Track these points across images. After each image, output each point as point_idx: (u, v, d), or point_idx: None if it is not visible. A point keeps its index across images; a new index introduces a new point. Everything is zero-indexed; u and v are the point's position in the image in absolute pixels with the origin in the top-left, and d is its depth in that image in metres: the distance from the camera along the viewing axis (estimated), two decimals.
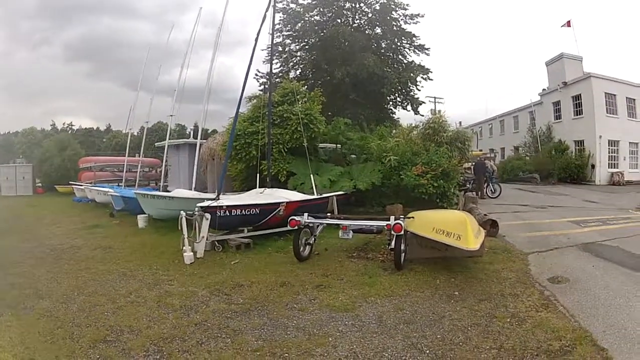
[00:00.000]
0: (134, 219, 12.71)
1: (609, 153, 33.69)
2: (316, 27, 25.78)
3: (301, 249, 7.93)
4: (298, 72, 27.37)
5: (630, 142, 34.72)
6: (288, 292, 6.14)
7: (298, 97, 14.44)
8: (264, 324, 4.91)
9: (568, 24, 38.77)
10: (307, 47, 26.95)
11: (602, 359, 4.23)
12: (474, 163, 21.89)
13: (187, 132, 40.72)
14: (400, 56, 27.10)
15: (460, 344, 4.51)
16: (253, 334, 4.66)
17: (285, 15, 25.90)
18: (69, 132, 65.11)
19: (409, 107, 27.52)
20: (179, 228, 8.00)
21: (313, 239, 8.25)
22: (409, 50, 26.88)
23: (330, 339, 4.56)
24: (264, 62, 25.27)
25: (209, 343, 4.41)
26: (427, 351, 4.33)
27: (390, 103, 27.98)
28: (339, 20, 25.75)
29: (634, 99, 35.08)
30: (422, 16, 25.89)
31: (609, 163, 33.50)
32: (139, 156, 25.82)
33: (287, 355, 4.18)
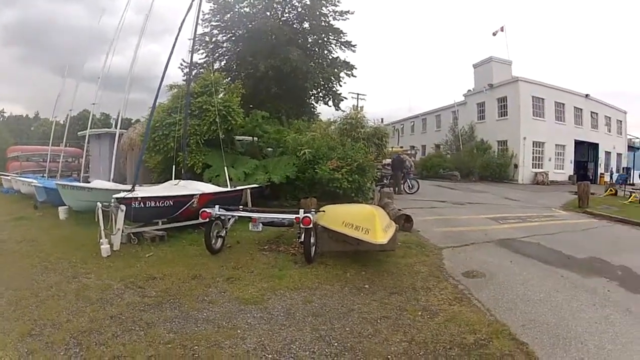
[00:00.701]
0: (57, 210, 12.77)
1: (533, 154, 37.49)
2: (244, 19, 26.47)
3: (213, 241, 8.28)
4: (223, 63, 28.23)
5: (556, 144, 38.78)
6: (199, 284, 6.43)
7: (218, 88, 15.20)
8: (175, 317, 5.18)
9: (501, 29, 43.04)
10: (233, 38, 27.69)
11: (522, 354, 4.45)
12: (392, 159, 23.02)
13: (111, 122, 40.31)
14: (326, 51, 28.50)
15: (370, 336, 4.74)
16: (165, 326, 4.91)
17: (215, 5, 26.47)
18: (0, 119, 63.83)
19: (330, 103, 29.02)
20: (96, 220, 8.22)
21: (224, 231, 8.64)
22: (335, 46, 28.33)
23: (238, 331, 4.82)
24: (189, 51, 25.59)
25: (124, 336, 4.65)
26: (336, 343, 4.57)
27: (312, 98, 29.35)
28: (268, 13, 26.59)
29: (563, 104, 39.37)
30: (352, 13, 27.16)
31: (533, 163, 37.28)
32: (63, 146, 26.33)
33: (197, 347, 4.42)
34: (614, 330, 5.17)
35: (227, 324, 5.00)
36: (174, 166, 12.84)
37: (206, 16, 25.71)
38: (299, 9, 26.94)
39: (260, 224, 8.15)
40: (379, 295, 6.09)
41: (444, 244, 9.76)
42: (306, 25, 27.62)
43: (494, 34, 42.83)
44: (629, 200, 21.67)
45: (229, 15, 26.54)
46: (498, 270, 7.68)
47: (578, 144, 40.62)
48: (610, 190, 26.02)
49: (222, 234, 8.58)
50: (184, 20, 11.70)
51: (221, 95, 15.33)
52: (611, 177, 36.82)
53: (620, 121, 47.76)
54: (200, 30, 23.76)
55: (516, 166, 36.29)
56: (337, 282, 6.64)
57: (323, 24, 27.03)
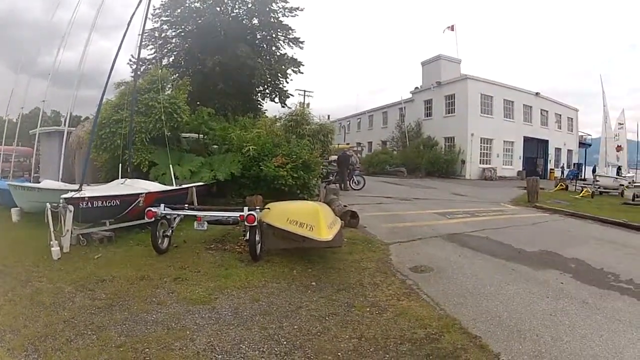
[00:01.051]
0: (10, 212, 12.45)
1: (481, 150, 39.67)
2: (194, 15, 26.88)
3: (159, 241, 8.40)
4: (171, 59, 28.52)
5: (505, 141, 41.42)
6: (148, 285, 6.49)
7: (165, 85, 15.38)
8: (125, 319, 5.22)
9: (451, 28, 45.48)
10: (183, 34, 28.12)
11: (476, 347, 4.52)
12: (338, 156, 23.66)
13: (62, 119, 39.31)
14: (274, 48, 29.24)
15: (319, 334, 4.83)
16: (116, 329, 4.94)
17: (166, 0, 26.64)
18: None
19: (277, 99, 29.68)
20: (46, 221, 8.24)
21: (170, 231, 8.73)
22: (284, 42, 29.07)
23: (188, 332, 4.88)
24: (138, 47, 25.69)
25: (77, 340, 4.67)
26: (285, 342, 4.63)
27: (259, 94, 30.06)
28: (218, 9, 27.06)
29: (513, 101, 42.07)
30: (302, 10, 27.91)
31: (480, 159, 39.47)
32: (15, 145, 25.78)
33: (147, 350, 4.47)
34: (571, 322, 5.29)
35: (176, 325, 5.06)
36: (120, 165, 12.91)
37: (156, 11, 25.88)
38: (249, 5, 27.57)
39: (205, 223, 8.27)
40: (327, 292, 6.17)
41: (391, 239, 9.89)
42: (255, 21, 28.35)
43: (447, 31, 45.62)
44: (581, 194, 23.02)
45: (179, 10, 26.83)
46: (446, 265, 7.86)
47: (527, 140, 43.19)
48: (561, 185, 27.62)
49: (169, 234, 8.64)
50: (133, 15, 11.78)
51: (168, 92, 15.60)
52: (562, 173, 39.49)
53: (572, 119, 51.29)
54: (150, 26, 24.12)
55: (463, 162, 38.05)
56: (284, 280, 6.73)
57: (272, 20, 27.75)
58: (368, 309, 5.52)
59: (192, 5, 27.00)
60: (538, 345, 4.62)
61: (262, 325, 5.01)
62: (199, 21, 26.22)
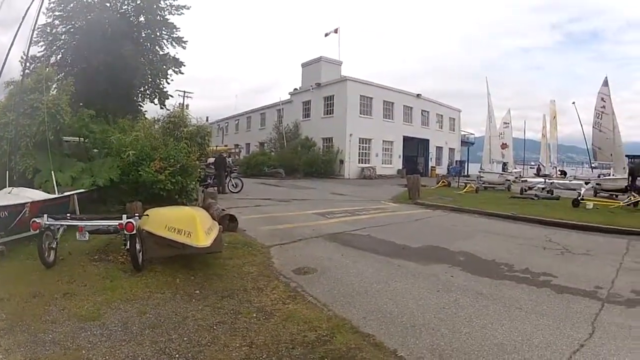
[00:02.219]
0: None
1: (360, 150, 41.75)
2: (85, 10, 26.22)
3: (46, 254, 8.00)
4: (59, 57, 27.56)
5: (384, 140, 43.95)
6: (40, 303, 6.24)
7: (50, 85, 14.85)
8: (27, 341, 5.00)
9: (335, 31, 47.55)
10: (72, 30, 27.16)
11: (370, 345, 4.56)
12: (215, 158, 24.10)
13: None
14: (157, 47, 29.43)
15: (209, 344, 4.82)
16: (21, 352, 4.74)
17: None
18: None
19: (157, 101, 29.88)
20: None
21: (55, 242, 8.34)
22: (167, 41, 29.45)
23: (83, 351, 4.73)
24: (27, 43, 24.41)
25: None
26: (177, 355, 4.60)
27: (140, 95, 29.93)
28: (108, 4, 26.82)
29: (393, 103, 44.94)
30: (188, 8, 28.41)
31: (359, 159, 41.54)
32: None
33: None
34: (467, 314, 5.49)
35: (71, 344, 4.88)
36: (7, 172, 12.32)
37: (51, 5, 24.98)
38: (138, 1, 27.61)
39: (87, 233, 8.03)
40: (211, 300, 6.17)
41: (272, 242, 9.93)
42: (142, 18, 28.42)
43: (331, 34, 47.52)
44: (465, 190, 24.80)
45: (72, 5, 26.13)
46: (330, 265, 7.98)
47: (407, 139, 46.24)
48: (443, 182, 29.56)
49: (54, 246, 8.22)
50: (28, 9, 11.55)
51: (54, 92, 14.98)
52: (449, 170, 43.09)
53: (454, 119, 56.25)
54: (43, 20, 23.65)
55: (342, 162, 39.77)
56: (167, 290, 6.66)
57: (159, 18, 28.06)
58: (255, 315, 5.55)
59: (85, 1, 26.56)
60: (436, 338, 4.71)
61: (152, 339, 4.93)
62: (89, 17, 25.75)
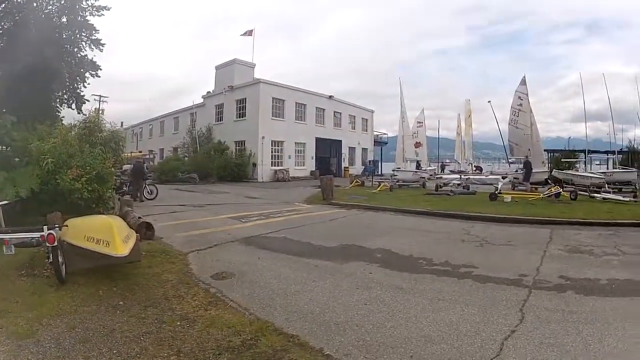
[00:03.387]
0: None
1: (272, 152, 41.68)
2: (15, 10, 25.36)
3: None
4: None
5: (296, 142, 44.16)
6: None
7: None
8: None
9: (249, 32, 47.30)
10: (1, 31, 26.09)
11: (296, 346, 4.59)
12: (132, 165, 23.62)
13: None
14: (76, 49, 28.35)
15: (138, 355, 4.76)
16: None
17: None
18: None
19: (74, 105, 28.84)
20: None
21: None
22: (86, 43, 28.38)
23: None
24: None
25: None
26: None
27: (57, 100, 28.79)
28: (35, 5, 25.83)
29: (305, 104, 45.20)
30: (109, 9, 27.49)
31: (272, 161, 41.44)
32: None
33: None
34: (389, 309, 5.63)
35: None
36: None
37: None
38: (62, 1, 26.70)
39: (13, 246, 7.75)
40: (135, 311, 6.08)
41: (189, 248, 9.86)
42: (65, 19, 27.36)
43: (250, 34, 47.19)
44: (379, 189, 25.32)
45: (3, 5, 25.28)
46: (247, 269, 8.00)
47: (320, 141, 46.67)
48: (357, 182, 30.15)
49: None
50: None
51: None
52: (366, 170, 43.08)
53: (367, 119, 57.43)
54: None
55: (255, 165, 39.72)
56: (92, 303, 6.50)
57: (80, 19, 27.13)
58: (179, 323, 5.51)
59: (16, 1, 25.75)
60: (360, 334, 4.80)
61: (85, 355, 4.79)
62: (17, 18, 24.98)
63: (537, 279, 7.19)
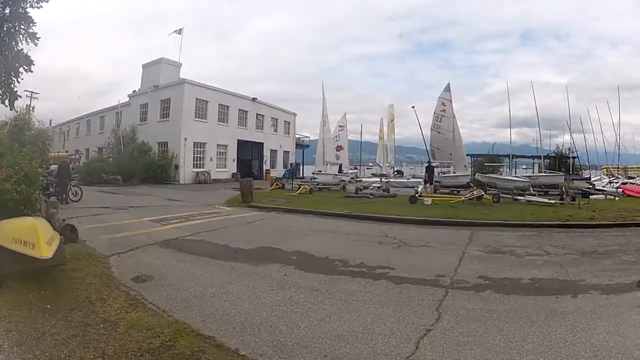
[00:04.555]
0: None
1: (194, 154, 41.22)
2: None
3: None
4: None
5: (218, 144, 43.81)
6: None
7: None
8: None
9: (178, 31, 46.51)
10: None
11: (212, 347, 4.72)
12: (58, 165, 22.66)
13: None
14: (13, 43, 26.64)
15: (67, 358, 4.74)
16: None
17: None
18: None
19: (7, 102, 26.97)
20: None
21: None
22: (23, 37, 26.78)
23: None
24: None
25: None
26: None
27: None
28: None
29: (228, 106, 44.91)
30: (48, 1, 25.96)
31: (194, 163, 41.01)
32: None
33: None
34: (304, 310, 5.85)
35: None
36: None
37: None
38: None
39: None
40: (62, 314, 5.98)
41: (110, 251, 9.80)
42: (7, 10, 26.00)
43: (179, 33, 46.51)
44: (299, 192, 25.66)
45: None
46: (166, 272, 8.06)
47: (242, 143, 46.59)
48: (277, 185, 30.28)
49: None
50: None
51: None
52: (287, 173, 43.94)
53: (289, 122, 57.76)
54: None
55: (177, 167, 39.22)
56: (24, 306, 6.33)
57: (21, 10, 25.86)
58: (102, 326, 5.50)
59: None
60: (275, 335, 4.98)
61: (21, 357, 4.77)
62: None
63: (454, 279, 7.42)
